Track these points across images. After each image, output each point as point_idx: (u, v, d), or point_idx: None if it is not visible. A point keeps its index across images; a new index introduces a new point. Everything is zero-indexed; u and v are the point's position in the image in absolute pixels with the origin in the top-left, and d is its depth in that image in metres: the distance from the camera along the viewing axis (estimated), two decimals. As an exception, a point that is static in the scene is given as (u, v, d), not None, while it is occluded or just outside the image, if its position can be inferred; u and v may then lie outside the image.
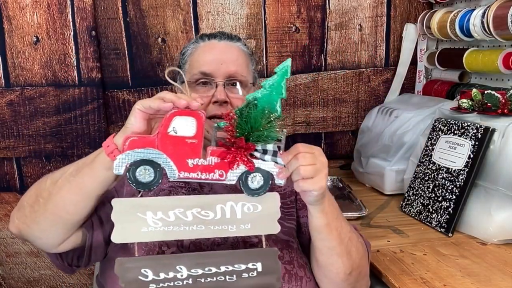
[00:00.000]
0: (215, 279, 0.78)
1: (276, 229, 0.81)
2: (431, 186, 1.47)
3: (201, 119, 0.79)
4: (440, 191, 1.42)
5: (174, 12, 1.85)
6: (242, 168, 0.79)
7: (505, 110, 1.32)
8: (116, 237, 0.76)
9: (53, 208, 0.89)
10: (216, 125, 0.80)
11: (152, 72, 1.86)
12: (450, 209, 1.36)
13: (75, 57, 1.78)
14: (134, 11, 1.82)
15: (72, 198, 0.88)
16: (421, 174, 1.53)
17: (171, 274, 0.76)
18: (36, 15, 1.74)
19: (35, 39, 1.75)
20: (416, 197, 1.52)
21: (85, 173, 0.86)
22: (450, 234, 1.34)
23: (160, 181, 0.78)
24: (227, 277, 0.79)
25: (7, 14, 1.72)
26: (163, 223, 0.76)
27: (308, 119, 2.05)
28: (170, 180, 0.78)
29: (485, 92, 1.36)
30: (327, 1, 1.96)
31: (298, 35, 1.97)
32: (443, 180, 1.42)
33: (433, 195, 1.45)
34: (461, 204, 1.34)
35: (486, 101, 1.36)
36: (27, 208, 0.93)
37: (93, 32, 1.77)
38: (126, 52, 1.83)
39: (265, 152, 0.79)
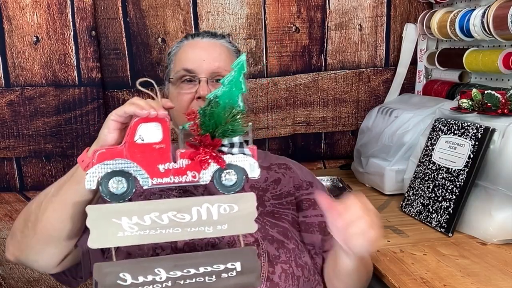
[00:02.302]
0: (194, 280, 0.78)
1: (253, 228, 0.80)
2: (431, 186, 1.47)
3: (166, 123, 0.79)
4: (440, 191, 1.42)
5: (174, 12, 1.85)
6: (214, 166, 0.79)
7: (505, 110, 1.32)
8: (93, 243, 0.76)
9: (42, 229, 0.91)
10: (181, 127, 0.80)
11: (152, 72, 1.86)
12: (450, 209, 1.36)
13: (75, 57, 1.78)
14: (134, 11, 1.82)
15: (57, 216, 0.89)
16: (421, 174, 1.53)
17: (149, 277, 0.76)
18: (36, 15, 1.74)
19: (35, 39, 1.75)
20: (416, 197, 1.52)
21: (66, 190, 0.89)
22: (450, 234, 1.34)
23: (134, 190, 0.78)
24: (207, 278, 0.79)
25: (7, 14, 1.72)
26: (139, 227, 0.76)
27: (308, 119, 2.05)
28: (144, 188, 0.78)
29: (485, 92, 1.36)
30: (327, 1, 1.96)
31: (298, 35, 1.97)
32: (443, 180, 1.42)
33: (433, 195, 1.45)
34: (461, 204, 1.34)
35: (486, 101, 1.36)
36: (18, 235, 0.95)
37: (93, 32, 1.77)
38: (126, 52, 1.83)
39: (232, 145, 0.80)
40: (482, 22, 1.56)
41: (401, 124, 1.72)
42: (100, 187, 0.76)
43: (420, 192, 1.51)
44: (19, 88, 1.77)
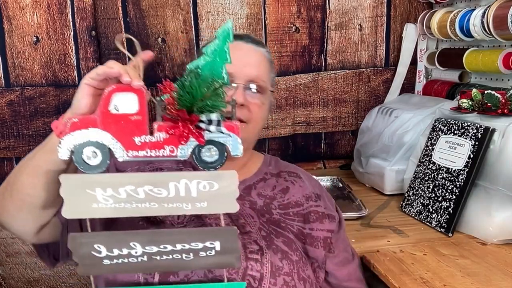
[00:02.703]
0: (171, 257, 0.76)
1: (234, 208, 0.76)
2: (431, 186, 1.47)
3: (143, 93, 0.75)
4: (440, 191, 1.42)
5: (174, 12, 1.86)
6: (193, 141, 0.75)
7: (505, 110, 1.32)
8: (66, 213, 0.74)
9: (16, 192, 0.89)
10: (158, 99, 0.76)
11: (152, 72, 1.86)
12: (450, 209, 1.37)
13: (75, 57, 1.78)
14: (134, 11, 1.82)
15: (30, 181, 0.88)
16: (421, 174, 1.53)
17: (125, 251, 0.75)
18: (36, 15, 1.74)
19: (35, 39, 1.75)
20: (416, 197, 1.52)
21: (40, 155, 0.87)
22: (450, 234, 1.34)
23: (108, 162, 0.75)
24: (184, 255, 0.76)
25: (7, 14, 1.72)
26: (114, 200, 0.74)
27: (308, 119, 2.05)
28: (119, 160, 0.75)
29: (485, 92, 1.36)
30: (327, 1, 1.96)
31: (298, 35, 1.97)
32: (443, 180, 1.42)
33: (433, 195, 1.45)
34: (461, 204, 1.34)
35: (486, 101, 1.36)
36: (0, 196, 0.94)
37: (93, 32, 1.77)
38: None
39: (210, 122, 0.75)
40: (482, 22, 1.56)
41: (401, 124, 1.72)
42: (73, 157, 0.74)
43: (420, 192, 1.51)
44: (19, 88, 1.77)
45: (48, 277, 1.93)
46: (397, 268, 1.18)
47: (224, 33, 0.78)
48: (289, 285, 0.99)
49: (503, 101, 1.33)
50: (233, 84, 1.06)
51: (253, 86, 1.07)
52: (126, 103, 0.74)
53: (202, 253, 0.77)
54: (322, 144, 2.10)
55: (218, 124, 0.75)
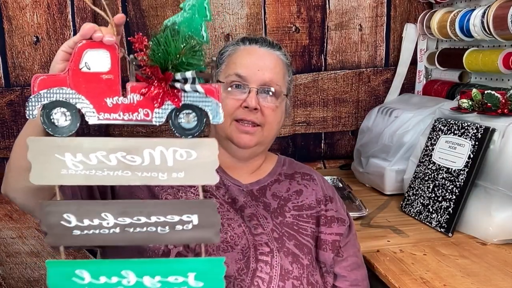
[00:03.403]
0: (145, 229, 0.71)
1: (213, 179, 0.71)
2: (431, 186, 1.47)
3: (115, 50, 0.70)
4: (440, 191, 1.42)
5: (174, 12, 1.85)
6: (169, 105, 0.70)
7: (505, 110, 1.32)
8: (35, 178, 0.69)
9: (13, 165, 0.89)
10: (132, 56, 0.70)
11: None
12: (450, 209, 1.37)
13: (75, 57, 1.78)
14: (134, 11, 1.82)
15: (22, 152, 0.85)
16: (421, 174, 1.53)
17: (96, 221, 0.70)
18: (36, 15, 1.74)
19: (35, 39, 1.75)
20: (416, 197, 1.52)
21: (27, 126, 0.86)
22: (450, 234, 1.34)
23: (77, 124, 0.70)
24: (159, 228, 0.71)
25: (7, 14, 1.72)
26: (84, 166, 0.69)
27: (308, 119, 2.05)
28: (90, 123, 0.70)
29: (485, 92, 1.36)
30: (327, 1, 1.96)
31: (298, 35, 1.97)
32: (443, 180, 1.42)
33: (433, 195, 1.45)
34: (461, 204, 1.34)
35: (486, 101, 1.36)
36: (6, 169, 0.94)
37: (93, 32, 1.77)
38: (126, 52, 1.83)
39: (185, 81, 0.69)
40: (482, 22, 1.56)
41: (401, 124, 1.72)
42: (40, 118, 0.69)
43: (420, 192, 1.51)
44: (19, 88, 1.77)
45: (48, 277, 1.93)
46: (397, 268, 1.18)
47: None
48: None
49: (503, 101, 1.33)
50: (247, 88, 1.07)
51: (266, 90, 1.08)
52: (98, 61, 0.70)
53: (179, 227, 0.71)
54: (322, 144, 2.10)
55: (193, 82, 0.69)
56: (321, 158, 2.12)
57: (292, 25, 1.95)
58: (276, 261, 0.99)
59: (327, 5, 1.96)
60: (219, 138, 1.05)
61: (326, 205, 1.13)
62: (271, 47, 1.13)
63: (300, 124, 2.05)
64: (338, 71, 2.03)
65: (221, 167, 1.10)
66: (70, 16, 1.75)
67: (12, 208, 1.87)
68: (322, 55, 2.00)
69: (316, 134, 2.08)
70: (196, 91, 0.69)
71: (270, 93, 1.08)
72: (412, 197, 1.54)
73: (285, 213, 1.08)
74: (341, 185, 1.80)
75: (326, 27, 1.98)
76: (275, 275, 0.98)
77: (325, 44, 2.00)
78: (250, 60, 1.09)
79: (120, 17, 0.73)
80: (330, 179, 1.84)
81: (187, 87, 0.69)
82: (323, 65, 2.01)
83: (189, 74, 0.68)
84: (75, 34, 1.74)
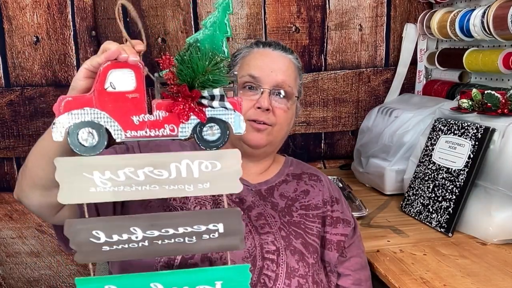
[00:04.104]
0: (173, 241, 0.73)
1: (237, 188, 0.73)
2: (431, 186, 1.47)
3: (140, 69, 0.72)
4: (440, 191, 1.42)
5: (174, 12, 1.86)
6: (194, 120, 0.72)
7: (505, 110, 1.32)
8: (63, 198, 0.70)
9: (28, 172, 0.90)
10: (156, 75, 0.72)
11: (152, 72, 1.85)
12: (450, 209, 1.37)
13: (75, 57, 1.78)
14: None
15: (39, 163, 0.87)
16: (421, 174, 1.53)
17: (125, 236, 0.71)
18: (36, 15, 1.74)
19: (35, 39, 1.75)
20: (416, 197, 1.52)
21: (45, 138, 0.86)
22: (450, 234, 1.34)
23: (105, 143, 0.71)
24: (186, 238, 0.73)
25: (7, 14, 1.72)
26: (113, 183, 0.70)
27: (308, 119, 2.05)
28: (117, 141, 0.72)
29: (485, 92, 1.36)
30: (327, 1, 1.96)
31: (298, 35, 1.97)
32: (443, 180, 1.42)
33: (433, 195, 1.45)
34: (461, 204, 1.34)
35: (486, 101, 1.36)
36: (20, 175, 0.94)
37: (93, 32, 1.77)
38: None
39: (212, 98, 0.71)
40: (482, 22, 1.56)
41: (401, 124, 1.72)
42: (68, 139, 0.70)
43: (420, 192, 1.51)
44: (19, 88, 1.77)
45: (48, 277, 1.93)
46: (397, 268, 1.18)
47: (223, 4, 0.74)
48: (303, 287, 1.00)
49: (503, 101, 1.33)
50: (260, 89, 1.08)
51: (279, 91, 1.09)
52: (122, 80, 0.71)
53: (205, 236, 0.73)
54: (322, 144, 2.10)
55: (222, 99, 0.71)
56: (321, 158, 2.12)
57: (292, 25, 1.95)
58: (282, 259, 1.01)
59: (327, 5, 1.96)
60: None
61: (332, 206, 1.15)
62: (283, 51, 1.15)
63: (300, 124, 2.05)
64: (338, 71, 2.03)
65: None
66: (70, 16, 1.75)
67: (12, 208, 1.87)
68: (322, 55, 2.00)
69: (316, 134, 2.08)
70: (225, 107, 0.72)
71: (282, 94, 1.10)
72: (412, 197, 1.54)
73: (292, 213, 1.10)
74: (341, 185, 1.80)
75: (326, 27, 1.98)
76: (281, 273, 0.99)
77: (325, 44, 2.00)
78: (263, 62, 1.11)
79: (138, 48, 0.74)
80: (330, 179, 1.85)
81: (215, 103, 0.71)
82: (323, 65, 2.01)
83: (217, 92, 0.70)
84: (75, 34, 1.75)
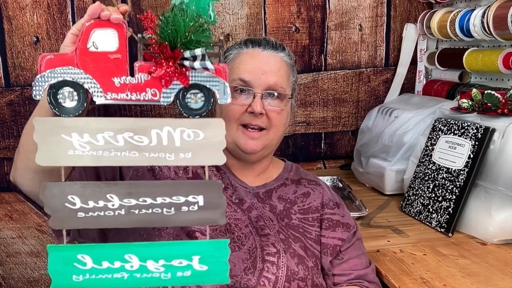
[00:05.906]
0: (150, 211, 0.70)
1: (221, 160, 0.70)
2: (431, 186, 1.47)
3: (123, 29, 0.69)
4: (440, 191, 1.42)
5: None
6: (177, 85, 0.69)
7: (505, 110, 1.32)
8: (41, 159, 0.68)
9: (22, 151, 0.89)
10: (140, 35, 0.70)
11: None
12: (450, 209, 1.37)
13: (75, 57, 1.78)
14: (134, 11, 1.82)
15: (30, 139, 0.86)
16: (421, 174, 1.53)
17: (101, 203, 0.69)
18: (36, 15, 1.74)
19: (35, 39, 1.75)
20: (416, 197, 1.52)
21: (36, 110, 0.86)
22: (450, 234, 1.34)
23: (85, 105, 0.70)
24: (165, 209, 0.71)
25: (7, 14, 1.72)
26: (91, 147, 0.68)
27: (308, 119, 2.05)
28: (97, 103, 0.70)
29: (485, 92, 1.36)
30: (327, 1, 1.96)
31: (298, 35, 1.97)
32: (443, 180, 1.42)
33: (433, 195, 1.45)
34: (461, 204, 1.34)
35: (486, 101, 1.36)
36: (15, 156, 0.94)
37: (93, 32, 1.77)
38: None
39: (194, 59, 0.68)
40: (482, 22, 1.56)
41: (401, 124, 1.72)
42: (47, 98, 0.68)
43: (420, 192, 1.51)
44: (19, 88, 1.77)
45: (48, 277, 1.93)
46: (397, 268, 1.18)
47: None
48: None
49: (503, 101, 1.33)
50: (252, 93, 1.06)
51: (271, 94, 1.07)
52: (106, 40, 0.69)
53: (184, 208, 0.71)
54: (322, 144, 2.10)
55: (203, 58, 0.68)
56: (321, 158, 2.12)
57: (292, 25, 1.95)
58: (282, 262, 1.00)
59: (327, 5, 1.96)
60: (227, 141, 1.06)
61: (332, 209, 1.14)
62: (274, 49, 1.11)
63: (300, 124, 2.05)
64: (338, 71, 2.03)
65: (229, 168, 1.11)
66: (70, 16, 1.75)
67: (12, 208, 1.87)
68: (322, 55, 2.00)
69: (316, 134, 2.08)
70: (206, 68, 0.69)
71: (275, 96, 1.07)
72: (412, 197, 1.54)
73: (291, 215, 1.09)
74: (341, 185, 1.80)
75: (326, 27, 1.98)
76: (281, 276, 0.99)
77: (325, 44, 2.00)
78: (254, 65, 1.08)
79: (122, 8, 0.73)
80: (330, 179, 1.84)
81: (197, 64, 0.68)
82: (323, 65, 2.01)
83: (198, 52, 0.68)
84: (75, 34, 1.75)
